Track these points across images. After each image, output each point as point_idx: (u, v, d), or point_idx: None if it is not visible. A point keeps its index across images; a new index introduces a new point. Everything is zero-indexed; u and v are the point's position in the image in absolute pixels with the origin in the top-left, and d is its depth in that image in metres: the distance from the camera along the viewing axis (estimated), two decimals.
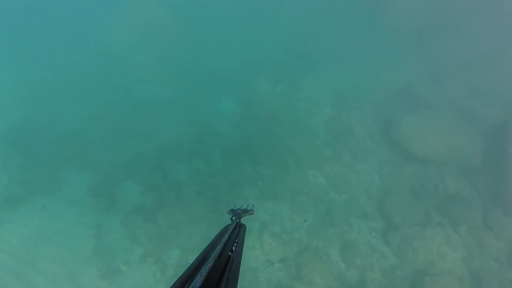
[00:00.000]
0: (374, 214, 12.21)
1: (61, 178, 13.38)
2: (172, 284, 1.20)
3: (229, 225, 2.16)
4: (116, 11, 21.67)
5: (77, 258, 10.74)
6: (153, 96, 17.94)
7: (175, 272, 10.55)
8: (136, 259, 10.85)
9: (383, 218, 12.03)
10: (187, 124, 16.24)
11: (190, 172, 13.87)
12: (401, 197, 12.33)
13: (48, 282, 9.86)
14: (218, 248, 1.50)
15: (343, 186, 13.01)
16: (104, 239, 11.39)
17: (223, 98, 17.63)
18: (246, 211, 2.73)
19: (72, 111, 16.80)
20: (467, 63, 16.01)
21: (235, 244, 1.76)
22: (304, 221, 11.95)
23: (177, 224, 11.66)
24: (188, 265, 1.42)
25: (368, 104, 16.00)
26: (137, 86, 18.60)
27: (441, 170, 12.80)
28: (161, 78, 19.03)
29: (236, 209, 2.75)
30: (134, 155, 14.52)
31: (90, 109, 17.14)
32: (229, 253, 1.59)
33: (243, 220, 2.53)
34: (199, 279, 1.13)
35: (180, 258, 10.86)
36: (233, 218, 2.46)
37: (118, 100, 17.87)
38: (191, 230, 11.48)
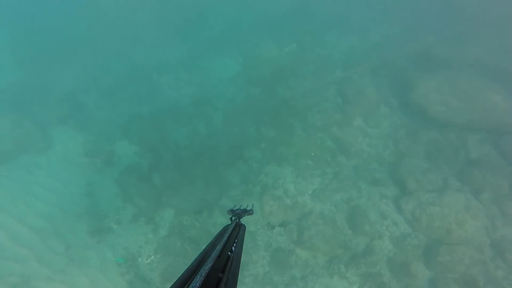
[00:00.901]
0: (386, 180, 11.17)
1: (54, 136, 12.82)
2: (171, 284, 1.19)
3: (228, 225, 2.13)
4: None
5: (67, 215, 10.22)
6: (153, 58, 16.99)
7: (167, 233, 9.92)
8: (128, 218, 10.25)
9: (396, 184, 10.99)
10: (188, 86, 15.32)
11: (190, 134, 13.09)
12: (417, 162, 11.19)
13: (34, 236, 9.37)
14: (218, 248, 1.49)
15: (353, 150, 11.96)
16: (96, 198, 10.85)
17: (227, 60, 16.54)
18: (245, 211, 2.72)
19: (68, 72, 16.06)
20: (496, 21, 14.30)
21: (234, 244, 1.74)
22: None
23: (172, 185, 10.96)
24: (188, 265, 1.41)
25: (383, 66, 14.59)
26: (137, 47, 17.64)
27: (463, 134, 11.52)
28: (162, 40, 17.99)
29: (236, 209, 2.73)
30: (132, 116, 13.80)
31: (88, 70, 16.37)
32: (229, 253, 1.56)
33: (242, 220, 2.51)
34: (198, 279, 1.10)
35: (174, 219, 10.20)
36: (233, 218, 2.43)
37: (117, 61, 17.03)
38: (187, 190, 10.76)
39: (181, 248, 9.49)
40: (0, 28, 19.24)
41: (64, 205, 10.46)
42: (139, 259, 9.36)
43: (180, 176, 11.23)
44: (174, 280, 1.22)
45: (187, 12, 18.91)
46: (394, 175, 11.15)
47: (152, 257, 9.37)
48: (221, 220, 10.09)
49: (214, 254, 1.39)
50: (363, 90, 13.41)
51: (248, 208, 2.88)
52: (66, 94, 14.58)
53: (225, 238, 1.71)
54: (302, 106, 13.59)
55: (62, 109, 13.85)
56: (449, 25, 15.81)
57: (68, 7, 19.63)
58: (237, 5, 20.01)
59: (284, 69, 15.21)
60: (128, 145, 12.55)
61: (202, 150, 12.12)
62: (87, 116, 13.86)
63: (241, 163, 11.76)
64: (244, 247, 1.96)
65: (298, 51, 16.40)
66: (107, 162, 11.85)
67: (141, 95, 15.09)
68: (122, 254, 9.43)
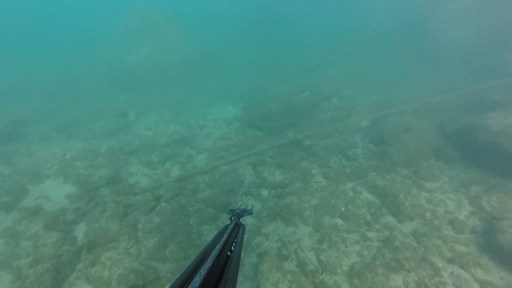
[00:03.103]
0: (477, 256, 6.37)
1: None
2: (171, 284, 1.22)
3: (228, 225, 2.14)
4: None
5: None
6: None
7: None
8: None
9: (502, 265, 6.15)
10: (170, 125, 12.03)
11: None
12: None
13: None
14: (218, 248, 1.51)
15: (406, 208, 7.52)
16: None
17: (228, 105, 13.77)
18: (245, 211, 2.77)
19: None
20: None
21: (234, 244, 1.74)
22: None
23: None
24: (188, 265, 1.40)
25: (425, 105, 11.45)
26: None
27: None
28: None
29: (235, 210, 2.70)
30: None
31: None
32: (228, 253, 1.57)
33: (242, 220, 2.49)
34: (198, 279, 1.11)
35: None
36: (232, 218, 2.47)
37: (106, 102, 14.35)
38: None
39: None
40: None
41: None
42: None
43: None
44: (174, 280, 1.25)
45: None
46: (490, 248, 6.41)
47: None
48: None
49: (214, 254, 1.40)
50: (403, 136, 9.82)
51: (247, 208, 2.88)
52: None
53: (224, 238, 1.72)
54: (322, 148, 9.84)
55: None
56: None
57: None
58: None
59: (298, 112, 12.14)
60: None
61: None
62: None
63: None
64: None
65: (314, 99, 13.65)
66: None
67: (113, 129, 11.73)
68: None
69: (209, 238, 6.77)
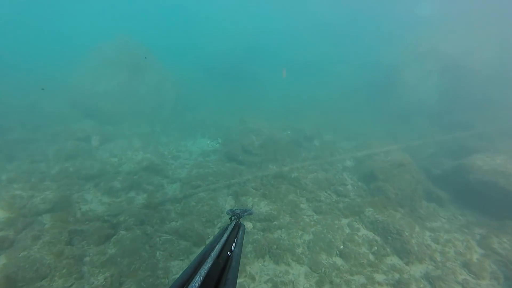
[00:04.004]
0: None
1: None
2: (171, 284, 1.18)
3: (228, 225, 2.08)
4: None
5: None
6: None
7: None
8: None
9: None
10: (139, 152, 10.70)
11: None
12: None
13: None
14: (217, 248, 1.47)
15: (413, 247, 6.56)
16: None
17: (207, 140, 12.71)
18: (245, 211, 2.62)
19: None
20: None
21: (234, 244, 1.69)
22: (341, 247, 5.25)
23: None
24: (188, 266, 1.37)
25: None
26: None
27: None
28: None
29: (236, 209, 2.59)
30: None
31: None
32: (228, 253, 1.53)
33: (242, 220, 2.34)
34: (198, 279, 1.10)
35: None
36: (232, 218, 2.37)
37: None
38: None
39: None
40: None
41: None
42: None
43: None
44: (174, 280, 1.18)
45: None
46: None
47: None
48: None
49: (214, 254, 1.36)
50: (396, 171, 9.32)
51: (248, 208, 2.74)
52: None
53: (224, 238, 1.67)
54: (311, 182, 8.94)
55: None
56: None
57: None
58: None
59: (280, 147, 11.43)
60: None
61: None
62: None
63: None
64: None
65: (296, 139, 13.14)
66: None
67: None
68: None
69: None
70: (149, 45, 18.92)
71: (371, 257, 6.29)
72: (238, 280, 5.37)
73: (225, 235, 1.78)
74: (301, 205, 8.03)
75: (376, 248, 6.49)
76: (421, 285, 5.57)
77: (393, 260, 6.27)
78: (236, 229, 2.06)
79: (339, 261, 6.11)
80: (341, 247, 6.46)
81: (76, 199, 7.79)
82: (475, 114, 15.48)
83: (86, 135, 11.87)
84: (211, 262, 1.28)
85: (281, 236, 6.65)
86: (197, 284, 1.07)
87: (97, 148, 11.60)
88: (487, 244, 6.71)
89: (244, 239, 6.32)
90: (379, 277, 5.74)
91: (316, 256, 6.10)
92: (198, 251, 5.96)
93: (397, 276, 5.76)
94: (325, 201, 8.23)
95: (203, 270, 1.18)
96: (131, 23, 47.72)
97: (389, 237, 6.74)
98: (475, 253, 6.58)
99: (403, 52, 19.85)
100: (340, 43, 32.51)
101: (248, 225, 6.96)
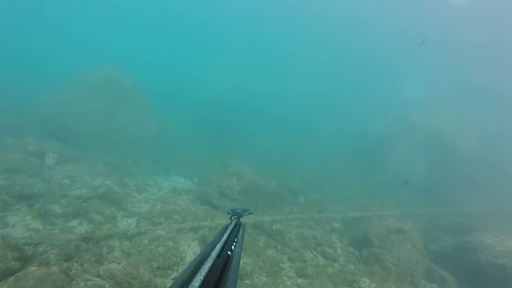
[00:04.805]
0: None
1: None
2: (171, 284, 1.15)
3: (228, 224, 2.06)
4: None
5: None
6: None
7: None
8: None
9: None
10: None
11: None
12: None
13: None
14: (218, 247, 1.46)
15: None
16: None
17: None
18: (245, 211, 2.59)
19: None
20: None
21: (234, 244, 1.68)
22: None
23: None
24: (188, 265, 1.34)
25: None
26: None
27: None
28: None
29: (236, 209, 2.55)
30: None
31: None
32: (229, 252, 1.51)
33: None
34: (198, 279, 1.08)
35: None
36: (233, 217, 2.36)
37: None
38: None
39: None
40: None
41: None
42: None
43: None
44: (174, 280, 1.15)
45: None
46: None
47: None
48: None
49: (214, 253, 1.35)
50: (395, 238, 8.05)
51: (248, 208, 2.70)
52: None
53: (224, 238, 1.68)
54: (295, 238, 7.48)
55: None
56: None
57: None
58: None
59: (263, 195, 10.12)
60: None
61: None
62: None
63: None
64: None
65: (280, 192, 11.89)
66: None
67: None
68: None
69: None
70: (139, 78, 18.40)
71: None
72: None
73: (226, 235, 1.74)
74: (281, 264, 6.47)
75: None
76: None
77: None
78: (237, 229, 2.01)
79: None
80: None
81: None
82: (461, 193, 15.03)
83: (40, 151, 10.23)
84: (211, 262, 1.23)
85: None
86: (197, 284, 1.03)
87: (50, 167, 9.90)
88: None
89: None
90: None
91: None
92: None
93: None
94: (311, 262, 6.72)
95: (204, 270, 1.14)
96: (126, 54, 48.48)
97: None
98: None
99: (391, 124, 20.20)
100: (330, 109, 33.67)
101: None
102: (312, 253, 7.28)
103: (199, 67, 43.91)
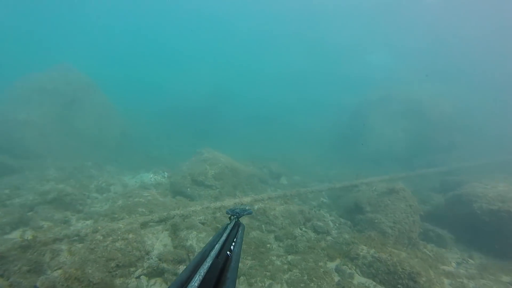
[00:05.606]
0: None
1: None
2: (170, 284, 1.16)
3: (228, 224, 1.97)
4: None
5: None
6: None
7: None
8: None
9: None
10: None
11: None
12: None
13: None
14: (217, 247, 1.42)
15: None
16: None
17: None
18: (245, 211, 2.50)
19: None
20: None
21: (233, 244, 1.62)
22: None
23: None
24: (187, 265, 1.28)
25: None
26: None
27: None
28: None
29: (235, 209, 2.47)
30: None
31: None
32: (228, 252, 1.46)
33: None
34: (197, 279, 1.05)
35: None
36: (232, 217, 2.28)
37: None
38: None
39: None
40: None
41: None
42: None
43: None
44: (174, 280, 1.14)
45: None
46: None
47: None
48: None
49: (213, 253, 1.32)
50: (387, 199, 7.45)
51: (247, 208, 2.62)
52: None
53: (223, 238, 1.63)
54: (280, 215, 6.67)
55: None
56: None
57: None
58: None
59: (241, 179, 9.22)
60: None
61: None
62: None
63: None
64: None
65: (260, 175, 11.06)
66: None
67: None
68: None
69: None
70: (96, 77, 16.89)
71: None
72: None
73: (225, 235, 1.67)
74: (268, 245, 5.64)
75: None
76: None
77: None
78: (236, 229, 1.89)
79: None
80: None
81: None
82: (442, 156, 14.97)
83: None
84: (210, 262, 1.20)
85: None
86: (196, 284, 1.00)
87: None
88: None
89: None
90: None
91: None
92: None
93: None
94: (301, 238, 5.94)
95: (203, 270, 1.11)
96: (85, 53, 45.60)
97: (399, 285, 4.53)
98: None
99: (365, 98, 19.97)
100: (304, 93, 33.44)
101: None
102: (301, 229, 6.50)
103: (169, 66, 42.31)
